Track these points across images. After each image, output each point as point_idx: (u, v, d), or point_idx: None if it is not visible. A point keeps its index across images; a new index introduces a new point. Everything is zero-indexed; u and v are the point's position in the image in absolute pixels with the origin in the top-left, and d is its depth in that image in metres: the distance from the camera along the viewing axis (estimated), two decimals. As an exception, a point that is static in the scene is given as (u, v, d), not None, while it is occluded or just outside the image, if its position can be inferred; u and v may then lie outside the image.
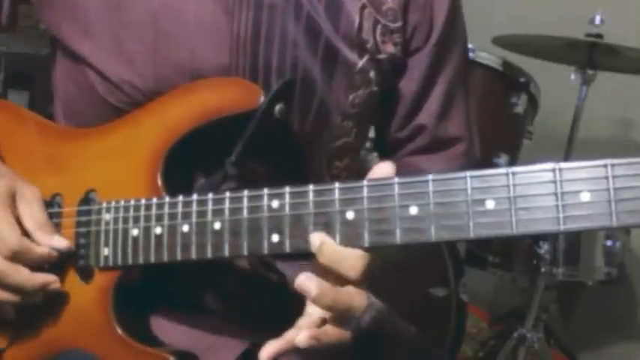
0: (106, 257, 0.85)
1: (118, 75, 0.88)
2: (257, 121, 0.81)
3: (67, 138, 0.94)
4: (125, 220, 0.84)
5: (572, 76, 2.07)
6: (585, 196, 0.63)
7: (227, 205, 0.78)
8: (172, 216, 0.81)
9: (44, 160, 0.94)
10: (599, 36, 1.97)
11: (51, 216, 0.89)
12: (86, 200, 0.88)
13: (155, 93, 0.87)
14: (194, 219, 0.79)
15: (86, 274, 0.87)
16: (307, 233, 0.73)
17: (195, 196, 0.80)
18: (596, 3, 2.03)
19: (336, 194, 0.72)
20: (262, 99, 0.81)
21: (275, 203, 0.75)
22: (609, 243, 2.13)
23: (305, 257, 0.75)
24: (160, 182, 0.84)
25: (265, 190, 0.76)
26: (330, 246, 0.72)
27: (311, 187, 0.73)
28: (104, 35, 0.89)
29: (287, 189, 0.75)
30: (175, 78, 0.87)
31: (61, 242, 0.86)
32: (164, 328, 0.89)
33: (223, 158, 0.83)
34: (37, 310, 0.88)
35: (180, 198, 0.81)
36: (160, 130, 0.86)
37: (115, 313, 0.84)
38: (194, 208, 0.80)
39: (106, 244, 0.85)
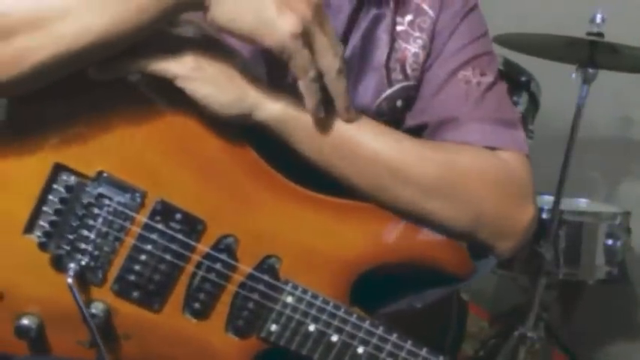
0: (271, 333, 0.84)
1: None
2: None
3: (267, 181, 0.84)
4: (305, 314, 0.83)
5: (574, 75, 2.06)
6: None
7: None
8: (351, 335, 0.83)
9: (230, 185, 0.82)
10: (600, 35, 1.97)
11: (214, 260, 0.82)
12: (268, 267, 0.83)
13: None
14: (370, 347, 0.83)
15: (239, 334, 0.84)
16: None
17: (380, 330, 0.84)
18: (597, 2, 2.02)
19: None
20: (470, 273, 0.88)
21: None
22: (610, 242, 2.13)
23: None
24: (347, 296, 0.85)
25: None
26: None
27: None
28: None
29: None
30: None
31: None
32: None
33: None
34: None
35: (367, 323, 0.83)
36: (369, 244, 0.85)
37: None
38: (375, 338, 0.83)
39: (275, 322, 0.84)
